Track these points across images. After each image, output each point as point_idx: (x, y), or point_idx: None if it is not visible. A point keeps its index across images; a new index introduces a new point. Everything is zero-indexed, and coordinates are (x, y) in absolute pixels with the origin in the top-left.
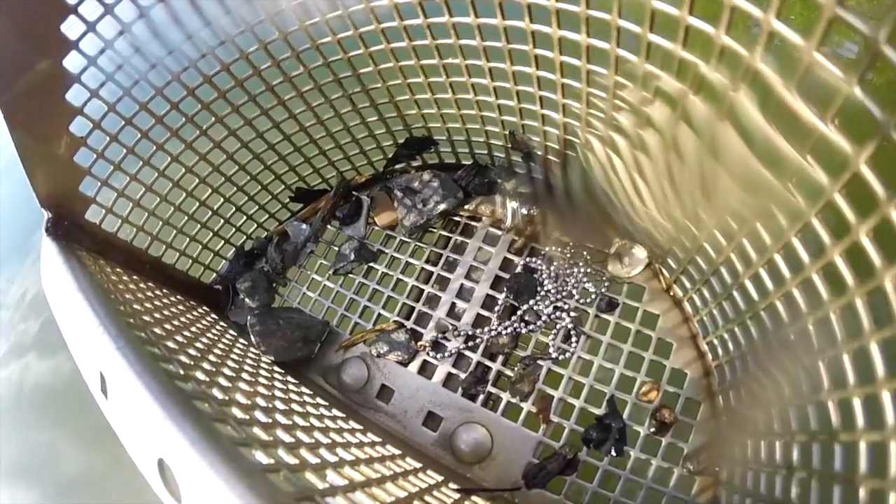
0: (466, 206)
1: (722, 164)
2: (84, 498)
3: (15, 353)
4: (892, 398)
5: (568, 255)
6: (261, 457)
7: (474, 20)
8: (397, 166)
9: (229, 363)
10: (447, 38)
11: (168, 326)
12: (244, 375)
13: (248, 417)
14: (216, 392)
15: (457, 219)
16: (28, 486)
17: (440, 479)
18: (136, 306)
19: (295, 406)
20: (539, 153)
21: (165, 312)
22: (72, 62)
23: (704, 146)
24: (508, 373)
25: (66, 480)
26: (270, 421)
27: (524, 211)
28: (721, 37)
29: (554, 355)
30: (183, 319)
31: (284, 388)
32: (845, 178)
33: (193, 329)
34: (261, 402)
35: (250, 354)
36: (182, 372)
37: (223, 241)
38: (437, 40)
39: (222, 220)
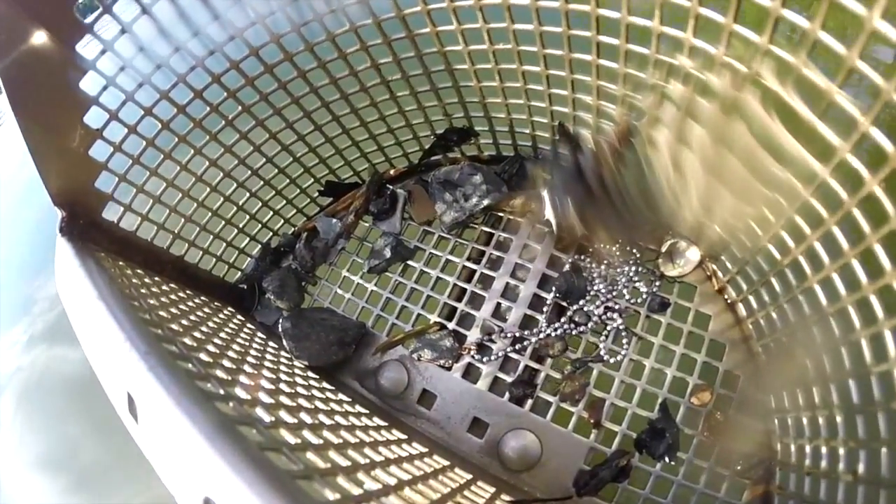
0: (510, 201)
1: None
2: (102, 489)
3: (38, 342)
4: None
5: (618, 254)
6: (323, 489)
7: (533, 3)
8: (433, 158)
9: (265, 373)
10: (500, 21)
11: (197, 335)
12: (283, 387)
13: (300, 441)
14: (261, 412)
15: (500, 214)
16: (50, 475)
17: (493, 490)
18: (161, 313)
19: (339, 419)
20: (590, 146)
21: (192, 318)
22: (86, 47)
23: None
24: (557, 376)
25: (84, 470)
26: (322, 442)
27: (571, 206)
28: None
29: (605, 357)
30: (211, 324)
31: (323, 397)
32: None
33: (223, 335)
34: (306, 418)
35: (282, 360)
36: (221, 391)
37: (248, 238)
38: (489, 24)
39: (248, 216)
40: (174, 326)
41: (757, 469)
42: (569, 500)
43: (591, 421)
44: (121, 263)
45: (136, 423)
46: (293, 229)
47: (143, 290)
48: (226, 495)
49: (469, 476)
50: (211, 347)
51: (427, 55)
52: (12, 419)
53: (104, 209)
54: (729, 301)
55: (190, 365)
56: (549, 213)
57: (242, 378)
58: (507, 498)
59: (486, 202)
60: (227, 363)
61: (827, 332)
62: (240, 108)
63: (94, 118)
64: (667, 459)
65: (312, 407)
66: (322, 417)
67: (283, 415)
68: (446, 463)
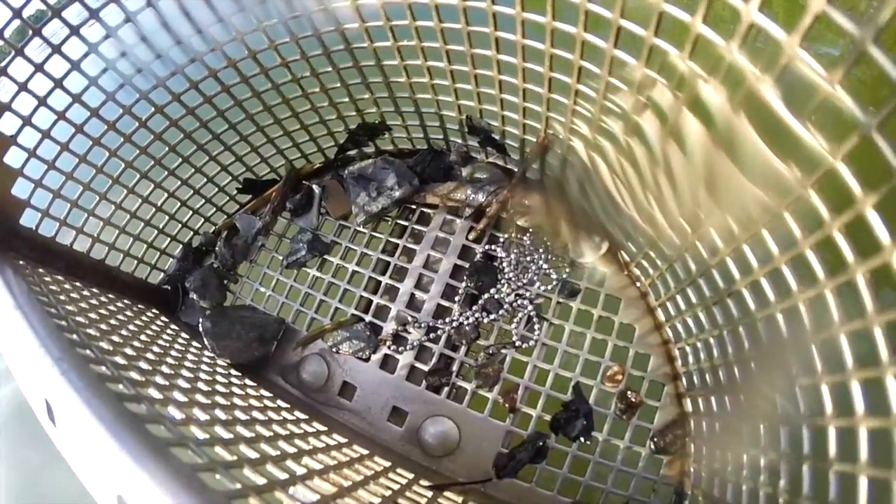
0: (422, 193)
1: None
2: None
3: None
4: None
5: (528, 242)
6: (226, 480)
7: (432, 1)
8: (349, 153)
9: (184, 373)
10: (403, 19)
11: (115, 338)
12: (200, 385)
13: (208, 437)
14: (172, 410)
15: (412, 206)
16: None
17: (411, 476)
18: (79, 318)
19: (256, 414)
20: (496, 137)
21: (112, 322)
22: None
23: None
24: (472, 363)
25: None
26: (233, 436)
27: (482, 196)
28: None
29: (517, 343)
30: (132, 327)
31: (243, 393)
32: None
33: (143, 337)
34: (220, 414)
35: (205, 359)
36: (133, 391)
37: (169, 239)
38: (392, 21)
39: (167, 217)
40: (91, 331)
41: (673, 444)
42: (489, 482)
43: (507, 405)
44: (40, 271)
45: (55, 427)
46: (214, 228)
47: (61, 297)
48: (133, 490)
49: (388, 463)
50: (128, 350)
51: (334, 52)
52: None
53: (21, 216)
54: (639, 286)
55: (103, 368)
56: (461, 203)
57: (157, 378)
58: (426, 483)
59: (397, 194)
60: (143, 364)
61: (727, 314)
62: (152, 109)
63: (7, 124)
64: (582, 439)
65: (228, 404)
66: (238, 413)
67: (196, 412)
68: (365, 452)
